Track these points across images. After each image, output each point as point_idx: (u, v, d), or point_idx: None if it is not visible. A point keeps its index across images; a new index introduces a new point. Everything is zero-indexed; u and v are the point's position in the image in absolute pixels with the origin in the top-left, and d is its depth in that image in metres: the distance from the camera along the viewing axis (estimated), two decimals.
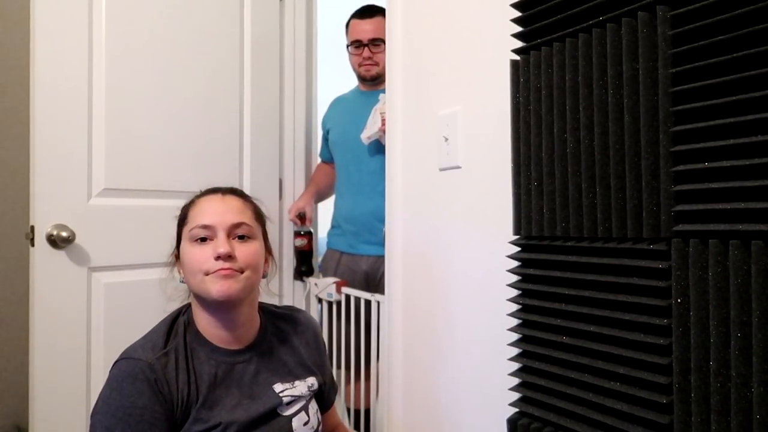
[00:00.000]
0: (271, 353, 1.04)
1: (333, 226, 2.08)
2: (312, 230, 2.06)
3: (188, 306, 1.03)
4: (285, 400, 1.00)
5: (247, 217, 0.99)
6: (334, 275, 1.95)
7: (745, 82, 0.59)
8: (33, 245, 1.51)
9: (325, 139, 2.15)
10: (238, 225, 0.97)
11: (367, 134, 1.82)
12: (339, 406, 1.83)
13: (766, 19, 0.57)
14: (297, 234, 2.04)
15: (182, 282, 1.01)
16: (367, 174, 1.91)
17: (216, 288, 0.92)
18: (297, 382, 1.04)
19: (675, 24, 0.65)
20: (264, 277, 1.03)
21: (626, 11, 0.70)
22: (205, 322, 0.98)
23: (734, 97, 0.60)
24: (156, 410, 0.87)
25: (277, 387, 1.00)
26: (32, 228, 1.51)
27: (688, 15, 0.64)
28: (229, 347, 0.99)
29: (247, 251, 0.96)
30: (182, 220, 1.01)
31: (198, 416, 0.91)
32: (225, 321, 0.98)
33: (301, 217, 2.00)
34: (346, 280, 1.88)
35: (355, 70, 2.02)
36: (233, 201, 1.00)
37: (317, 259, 2.13)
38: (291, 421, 0.99)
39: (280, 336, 1.07)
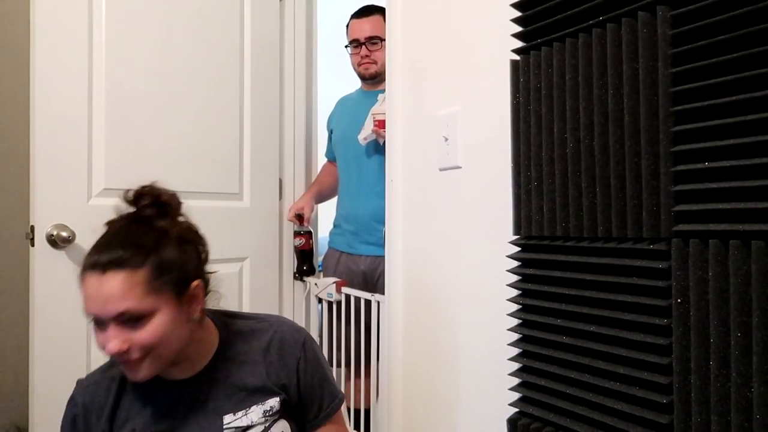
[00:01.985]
0: (225, 379, 0.96)
1: (334, 226, 2.08)
2: (311, 230, 2.06)
3: None
4: None
5: (133, 296, 0.83)
6: (334, 275, 1.95)
7: (745, 82, 0.59)
8: (33, 245, 1.51)
9: (330, 138, 2.16)
10: (121, 314, 0.82)
11: (363, 135, 1.83)
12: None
13: (766, 19, 0.57)
14: (296, 234, 2.04)
15: None
16: (366, 174, 1.92)
17: (129, 376, 0.86)
18: (253, 407, 0.97)
19: (675, 24, 0.65)
20: (202, 310, 0.93)
21: (626, 11, 0.70)
22: None
23: (734, 97, 0.60)
24: None
25: (227, 418, 0.94)
26: (32, 228, 1.51)
27: (688, 15, 0.64)
28: (176, 377, 0.93)
29: (141, 337, 0.83)
30: None
31: None
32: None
33: (299, 217, 2.00)
34: (345, 279, 1.89)
35: (355, 69, 2.03)
36: (112, 282, 0.82)
37: (318, 259, 2.13)
38: None
39: (237, 358, 0.98)
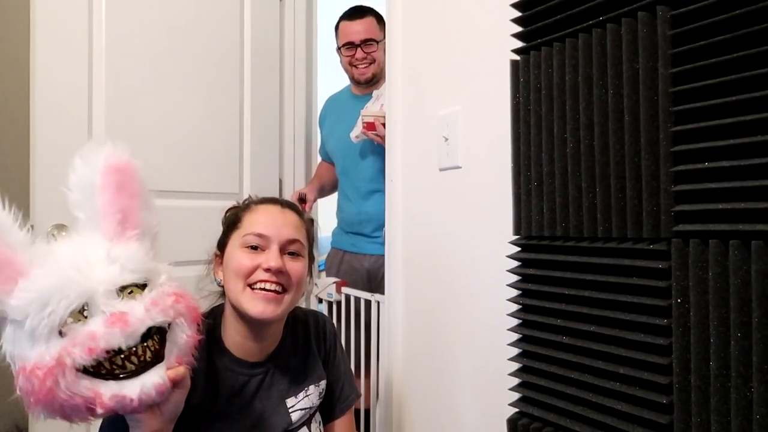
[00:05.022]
0: (287, 365, 1.02)
1: (338, 226, 2.08)
2: (313, 218, 2.03)
3: (217, 309, 1.00)
4: (293, 417, 0.99)
5: (301, 235, 0.97)
6: (337, 274, 1.95)
7: (745, 82, 0.59)
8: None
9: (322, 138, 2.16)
10: (292, 241, 0.95)
11: (355, 134, 1.83)
12: None
13: (766, 19, 0.57)
14: None
15: (220, 285, 0.99)
16: (365, 179, 1.91)
17: (254, 309, 0.90)
18: (311, 388, 1.02)
19: (675, 24, 0.65)
20: (303, 295, 1.02)
21: (626, 11, 0.70)
22: (233, 330, 0.95)
23: (734, 97, 0.60)
24: None
25: (290, 401, 0.99)
26: (32, 228, 1.51)
27: (688, 15, 0.64)
28: (248, 359, 0.97)
29: (296, 268, 0.94)
30: (233, 223, 0.98)
31: (210, 427, 0.90)
32: (255, 333, 0.96)
33: (302, 200, 1.95)
34: (347, 279, 1.89)
35: (347, 72, 2.01)
36: (291, 216, 0.98)
37: (319, 258, 2.13)
38: None
39: (298, 343, 1.06)
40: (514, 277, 0.87)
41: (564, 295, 0.78)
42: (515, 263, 0.87)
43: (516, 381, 0.85)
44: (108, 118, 1.63)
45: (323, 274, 2.07)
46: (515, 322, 0.86)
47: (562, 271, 0.79)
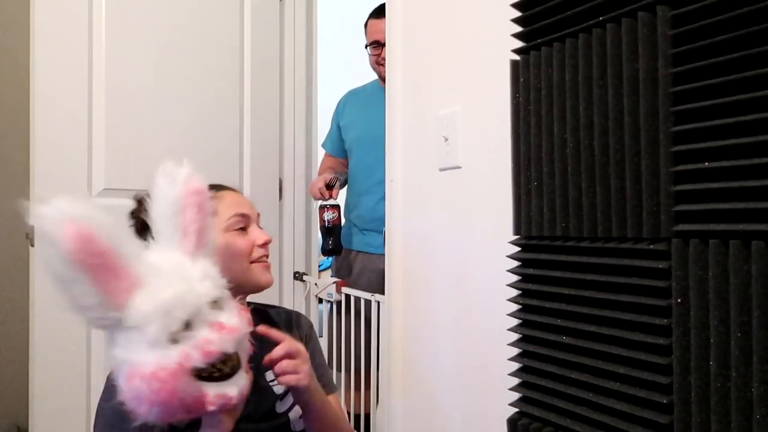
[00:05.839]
0: (260, 341, 1.03)
1: (347, 226, 2.03)
2: (339, 204, 1.93)
3: None
4: (276, 390, 0.99)
5: None
6: (349, 276, 1.93)
7: (745, 82, 0.59)
8: (33, 245, 1.51)
9: (338, 132, 2.08)
10: (258, 215, 1.05)
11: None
12: None
13: (766, 19, 0.57)
14: (325, 207, 1.89)
15: None
16: None
17: (265, 278, 1.01)
18: None
19: (675, 24, 0.65)
20: None
21: (626, 11, 0.70)
22: None
23: (734, 97, 0.60)
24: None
25: (268, 375, 0.99)
26: (32, 228, 1.51)
27: (688, 15, 0.64)
28: None
29: (267, 236, 1.04)
30: None
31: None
32: None
33: (330, 187, 1.88)
34: (361, 280, 1.87)
35: (375, 69, 1.99)
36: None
37: (318, 255, 2.12)
38: (288, 414, 0.99)
39: (268, 324, 1.06)
40: (514, 277, 0.87)
41: (564, 295, 0.78)
42: (515, 263, 0.87)
43: (516, 381, 0.85)
44: (108, 119, 1.63)
45: (323, 274, 2.06)
46: (515, 322, 0.86)
47: (562, 271, 0.79)
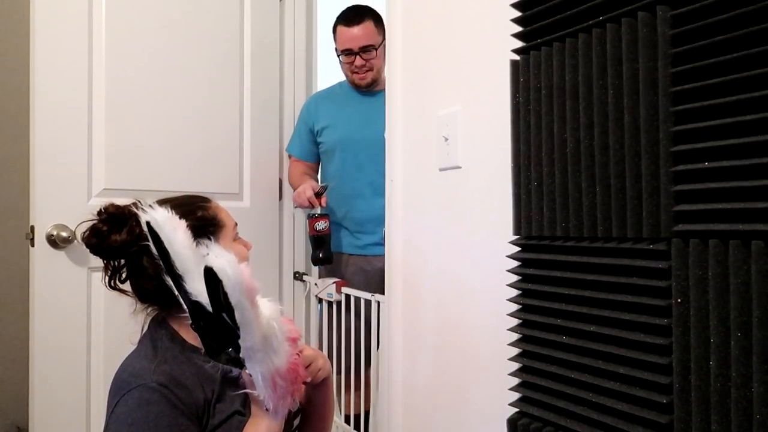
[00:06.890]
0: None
1: (343, 230, 2.01)
2: (327, 212, 1.89)
3: (161, 321, 1.00)
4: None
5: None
6: (343, 278, 1.92)
7: (745, 82, 0.59)
8: (33, 245, 1.51)
9: (309, 136, 2.03)
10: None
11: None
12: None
13: (766, 19, 0.57)
14: (315, 217, 1.86)
15: None
16: (383, 173, 1.87)
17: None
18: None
19: (675, 24, 0.65)
20: None
21: (626, 11, 0.70)
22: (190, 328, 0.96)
23: (734, 97, 0.60)
24: (181, 423, 0.88)
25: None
26: (32, 228, 1.51)
27: (688, 15, 0.64)
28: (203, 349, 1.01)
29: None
30: (216, 225, 1.03)
31: (214, 411, 0.94)
32: None
33: (318, 195, 1.84)
34: (357, 281, 1.87)
35: (348, 77, 1.98)
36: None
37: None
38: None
39: None
40: (514, 277, 0.87)
41: (564, 295, 0.78)
42: (515, 263, 0.87)
43: (516, 381, 0.85)
44: (108, 119, 1.63)
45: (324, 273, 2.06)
46: (515, 322, 0.86)
47: (562, 271, 0.79)
